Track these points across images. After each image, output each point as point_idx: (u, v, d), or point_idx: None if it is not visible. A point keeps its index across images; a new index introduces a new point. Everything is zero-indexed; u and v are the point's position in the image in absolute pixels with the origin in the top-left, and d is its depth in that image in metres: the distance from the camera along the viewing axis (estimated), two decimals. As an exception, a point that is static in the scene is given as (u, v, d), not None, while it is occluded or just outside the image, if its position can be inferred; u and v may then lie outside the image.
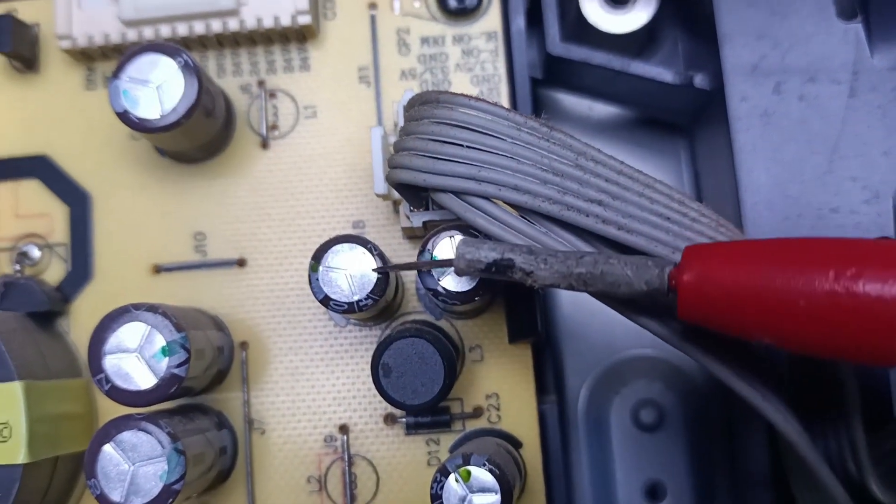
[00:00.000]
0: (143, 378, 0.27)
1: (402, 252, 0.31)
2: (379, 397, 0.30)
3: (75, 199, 0.32)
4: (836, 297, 0.21)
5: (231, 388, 0.31)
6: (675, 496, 0.35)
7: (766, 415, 0.24)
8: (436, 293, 0.27)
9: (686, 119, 0.35)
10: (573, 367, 0.36)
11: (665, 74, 0.32)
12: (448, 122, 0.26)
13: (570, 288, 0.24)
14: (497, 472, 0.27)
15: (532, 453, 0.31)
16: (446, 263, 0.26)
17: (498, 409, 0.31)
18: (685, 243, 0.25)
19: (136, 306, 0.27)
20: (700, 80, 0.32)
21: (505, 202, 0.25)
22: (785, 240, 0.23)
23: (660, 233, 0.25)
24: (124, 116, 0.29)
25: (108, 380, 0.27)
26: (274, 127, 0.32)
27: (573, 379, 0.36)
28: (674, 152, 0.36)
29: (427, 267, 0.26)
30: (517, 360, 0.31)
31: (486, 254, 0.24)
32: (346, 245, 0.28)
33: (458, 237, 0.27)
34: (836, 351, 0.22)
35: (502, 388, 0.31)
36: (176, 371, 0.27)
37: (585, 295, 0.36)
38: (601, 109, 0.37)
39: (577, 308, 0.36)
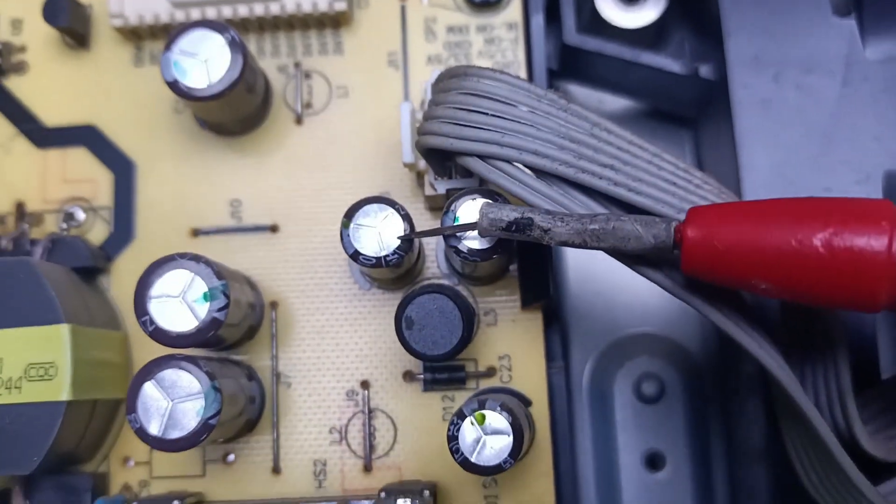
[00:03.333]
0: (185, 321, 0.29)
1: (424, 221, 0.34)
2: (398, 355, 0.33)
3: (120, 167, 0.35)
4: (824, 249, 0.24)
5: (261, 343, 0.33)
6: (674, 465, 0.37)
7: (762, 360, 0.27)
8: (457, 251, 0.29)
9: (691, 111, 0.37)
10: (579, 344, 0.38)
11: (673, 65, 0.34)
12: (474, 92, 0.28)
13: (584, 244, 0.26)
14: (510, 416, 0.29)
15: (540, 411, 0.33)
16: (469, 227, 0.28)
17: (510, 370, 0.33)
18: (689, 206, 0.27)
19: (181, 255, 0.29)
20: (705, 71, 0.34)
21: (525, 165, 0.28)
22: (779, 199, 0.25)
23: (666, 196, 0.27)
24: (174, 85, 0.31)
25: (152, 321, 0.29)
26: (308, 105, 0.35)
27: (578, 354, 0.38)
28: (679, 143, 0.39)
29: (452, 231, 0.29)
30: (529, 325, 0.33)
31: (508, 213, 0.27)
32: (375, 205, 0.30)
33: (480, 200, 0.29)
34: (825, 298, 0.24)
35: (514, 350, 0.33)
36: (216, 315, 0.29)
37: (591, 275, 0.39)
38: (611, 102, 0.39)
39: (583, 289, 0.38)
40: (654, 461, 0.37)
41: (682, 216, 0.27)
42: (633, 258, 0.27)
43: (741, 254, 0.24)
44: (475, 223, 0.27)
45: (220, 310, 0.29)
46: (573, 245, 0.26)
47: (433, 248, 0.34)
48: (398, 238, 0.29)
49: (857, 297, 0.24)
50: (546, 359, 0.33)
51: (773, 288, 0.25)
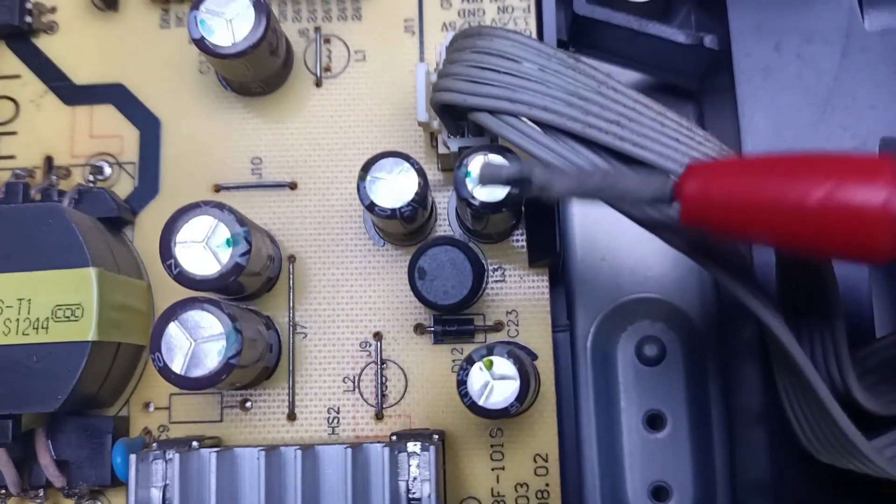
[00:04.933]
0: (208, 265, 0.30)
1: (436, 181, 0.35)
2: (410, 308, 0.34)
3: (146, 124, 0.36)
4: (823, 200, 0.25)
5: (279, 296, 0.35)
6: (674, 425, 0.38)
7: (758, 314, 0.28)
8: (469, 203, 0.30)
9: (695, 83, 0.39)
10: (583, 307, 0.39)
11: (678, 35, 0.36)
12: (487, 51, 0.29)
13: (585, 199, 0.27)
14: (517, 362, 0.30)
15: (545, 366, 0.34)
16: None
17: (517, 325, 0.34)
18: (692, 161, 0.28)
19: (206, 202, 0.31)
20: (709, 41, 0.35)
21: (534, 120, 0.29)
22: (777, 154, 0.26)
23: (670, 151, 0.28)
24: (200, 43, 0.33)
25: (177, 265, 0.30)
26: (327, 68, 0.36)
27: (583, 317, 0.39)
28: (683, 116, 0.40)
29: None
30: (535, 282, 0.35)
31: (507, 169, 0.27)
32: (391, 159, 0.31)
33: (491, 155, 0.30)
34: (824, 249, 0.25)
35: (521, 305, 0.34)
36: (239, 260, 0.30)
37: (597, 241, 0.40)
38: (618, 75, 0.40)
39: (589, 253, 0.40)
40: (654, 421, 0.38)
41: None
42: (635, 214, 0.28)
43: (738, 207, 0.25)
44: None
45: (242, 255, 0.30)
46: (574, 199, 0.27)
47: (445, 206, 0.35)
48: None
49: (855, 248, 0.25)
50: (552, 316, 0.35)
51: (770, 240, 0.26)
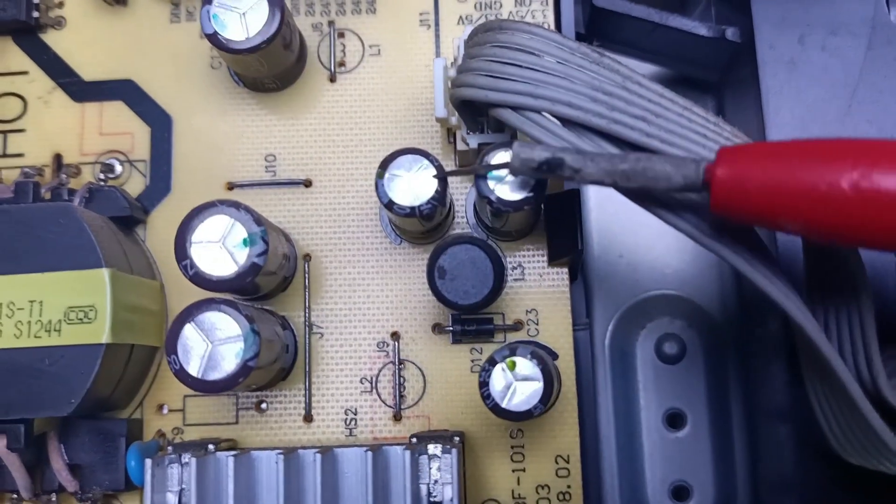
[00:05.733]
0: (225, 266, 0.30)
1: (454, 178, 0.34)
2: (428, 308, 0.34)
3: (157, 121, 0.35)
4: (854, 186, 0.24)
5: (294, 295, 0.34)
6: (694, 424, 0.38)
7: (786, 308, 0.27)
8: (489, 201, 0.30)
9: (715, 75, 0.38)
10: (602, 305, 0.39)
11: (700, 28, 0.35)
12: (508, 45, 0.29)
13: (615, 185, 0.27)
14: (540, 363, 0.29)
15: (567, 365, 0.33)
16: (502, 167, 0.29)
17: (537, 324, 0.34)
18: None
19: (222, 201, 0.30)
20: (731, 34, 0.35)
21: (558, 117, 0.28)
22: (810, 139, 0.26)
23: (697, 147, 0.28)
24: (213, 38, 0.32)
25: (192, 265, 0.30)
26: (342, 63, 0.36)
27: (601, 315, 0.39)
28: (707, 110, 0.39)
29: (485, 170, 0.29)
30: (555, 281, 0.34)
31: (539, 154, 0.27)
32: (409, 156, 0.30)
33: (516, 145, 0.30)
34: (856, 237, 0.25)
35: (541, 304, 0.34)
36: (256, 260, 0.30)
37: (614, 238, 0.39)
38: (637, 68, 0.39)
39: (607, 251, 0.39)
40: (674, 420, 0.38)
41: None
42: (662, 203, 0.28)
43: (770, 193, 0.24)
44: (507, 163, 0.28)
45: (259, 255, 0.30)
46: (603, 184, 0.27)
47: (462, 203, 0.34)
48: (433, 177, 0.30)
49: (890, 235, 0.24)
50: (572, 315, 0.34)
51: (802, 227, 0.25)
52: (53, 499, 0.33)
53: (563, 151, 0.27)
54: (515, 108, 0.29)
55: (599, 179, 0.27)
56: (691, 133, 0.28)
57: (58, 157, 0.35)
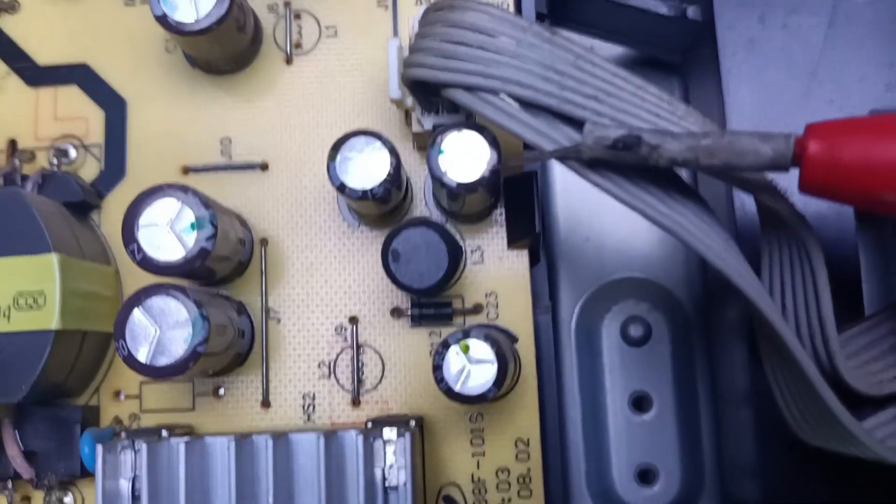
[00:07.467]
0: (173, 250, 0.29)
1: (412, 160, 0.34)
2: (386, 292, 0.33)
3: (111, 104, 0.35)
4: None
5: (251, 280, 0.34)
6: (660, 407, 0.37)
7: (743, 289, 0.27)
8: (443, 182, 0.29)
9: (678, 56, 0.38)
10: (567, 287, 0.38)
11: (660, 7, 0.35)
12: (460, 24, 0.28)
13: (696, 161, 0.25)
14: (494, 346, 0.29)
15: (527, 348, 0.33)
16: (572, 150, 0.26)
17: (496, 307, 0.33)
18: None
19: (169, 185, 0.29)
20: (692, 12, 0.34)
21: (510, 96, 0.28)
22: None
23: (649, 127, 0.27)
24: (163, 20, 0.31)
25: (140, 250, 0.29)
26: (298, 45, 0.35)
27: (567, 298, 0.38)
28: (668, 91, 0.39)
29: (554, 156, 0.27)
30: (515, 264, 0.33)
31: (614, 131, 0.26)
32: (362, 138, 0.30)
33: (465, 131, 0.29)
34: None
35: (500, 287, 0.33)
36: (204, 245, 0.29)
37: (581, 221, 0.39)
38: (599, 48, 0.39)
39: (573, 233, 0.39)
40: (640, 403, 0.38)
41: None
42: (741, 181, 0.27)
43: (866, 167, 0.23)
44: (577, 145, 0.26)
45: (208, 239, 0.29)
46: (683, 163, 0.25)
47: (420, 186, 0.34)
48: (490, 171, 0.29)
49: None
50: (533, 300, 0.34)
51: None
52: (9, 486, 0.33)
53: (640, 129, 0.26)
54: (467, 88, 0.28)
55: (680, 157, 0.25)
56: (644, 112, 0.28)
57: (12, 143, 0.35)
